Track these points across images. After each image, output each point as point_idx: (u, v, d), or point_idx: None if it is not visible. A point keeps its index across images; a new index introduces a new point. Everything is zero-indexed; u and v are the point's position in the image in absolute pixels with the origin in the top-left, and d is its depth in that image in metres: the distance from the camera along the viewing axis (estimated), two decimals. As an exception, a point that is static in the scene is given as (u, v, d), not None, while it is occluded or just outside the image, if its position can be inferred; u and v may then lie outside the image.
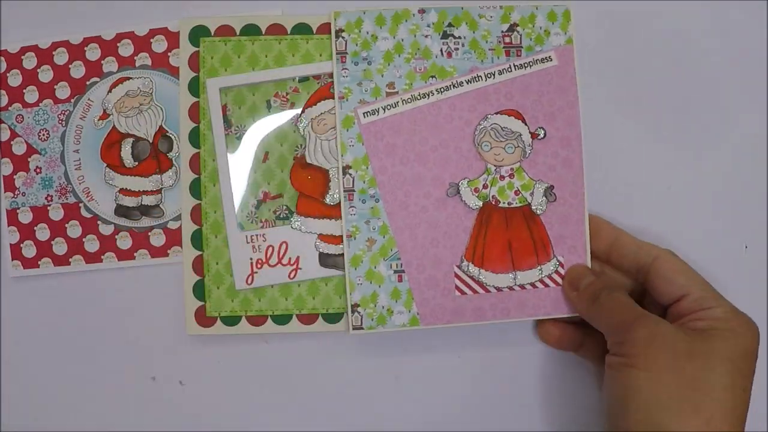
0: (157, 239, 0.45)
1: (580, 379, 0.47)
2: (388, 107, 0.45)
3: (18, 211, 0.46)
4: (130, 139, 0.46)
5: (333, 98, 0.45)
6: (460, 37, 0.46)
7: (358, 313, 0.44)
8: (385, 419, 0.46)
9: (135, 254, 0.46)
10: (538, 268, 0.45)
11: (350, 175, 0.44)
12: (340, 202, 0.45)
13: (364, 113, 0.45)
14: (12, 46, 0.46)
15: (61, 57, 0.46)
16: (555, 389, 0.47)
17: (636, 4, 0.49)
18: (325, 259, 0.45)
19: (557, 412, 0.47)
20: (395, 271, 0.44)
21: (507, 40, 0.46)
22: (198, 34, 0.45)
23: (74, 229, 0.46)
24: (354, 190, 0.44)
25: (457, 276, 0.44)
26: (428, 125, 0.45)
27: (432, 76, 0.45)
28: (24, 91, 0.46)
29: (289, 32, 0.46)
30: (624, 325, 0.38)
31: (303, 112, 0.46)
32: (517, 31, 0.46)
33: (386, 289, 0.44)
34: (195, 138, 0.45)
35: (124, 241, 0.46)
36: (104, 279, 0.46)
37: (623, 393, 0.37)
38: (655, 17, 0.49)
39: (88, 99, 0.46)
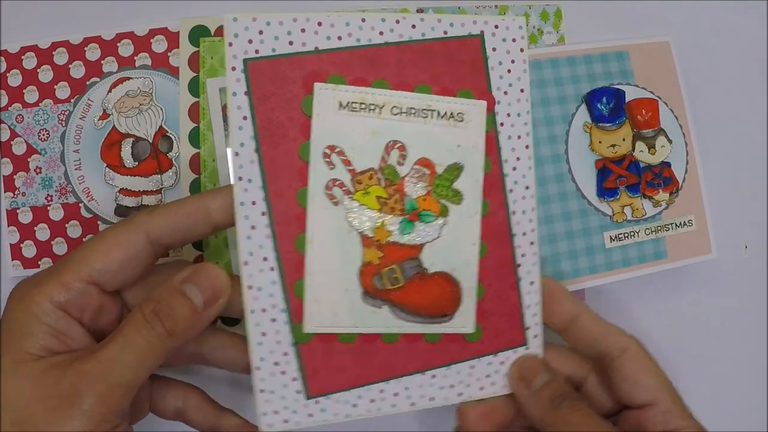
0: (157, 239, 0.45)
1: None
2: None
3: (18, 211, 0.46)
4: (130, 139, 0.46)
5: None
6: (459, 37, 0.46)
7: None
8: (385, 419, 0.46)
9: (135, 254, 0.45)
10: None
11: None
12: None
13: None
14: (12, 46, 0.46)
15: (61, 57, 0.46)
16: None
17: (633, 4, 0.49)
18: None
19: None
20: None
21: (503, 39, 0.46)
22: (198, 34, 0.45)
23: (74, 229, 0.46)
24: None
25: None
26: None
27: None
28: (24, 91, 0.46)
29: (289, 32, 0.46)
30: None
31: (303, 112, 0.46)
32: (511, 30, 0.46)
33: None
34: (195, 138, 0.45)
35: (124, 241, 0.45)
36: (104, 279, 0.46)
37: None
38: (654, 17, 0.49)
39: (88, 99, 0.46)
